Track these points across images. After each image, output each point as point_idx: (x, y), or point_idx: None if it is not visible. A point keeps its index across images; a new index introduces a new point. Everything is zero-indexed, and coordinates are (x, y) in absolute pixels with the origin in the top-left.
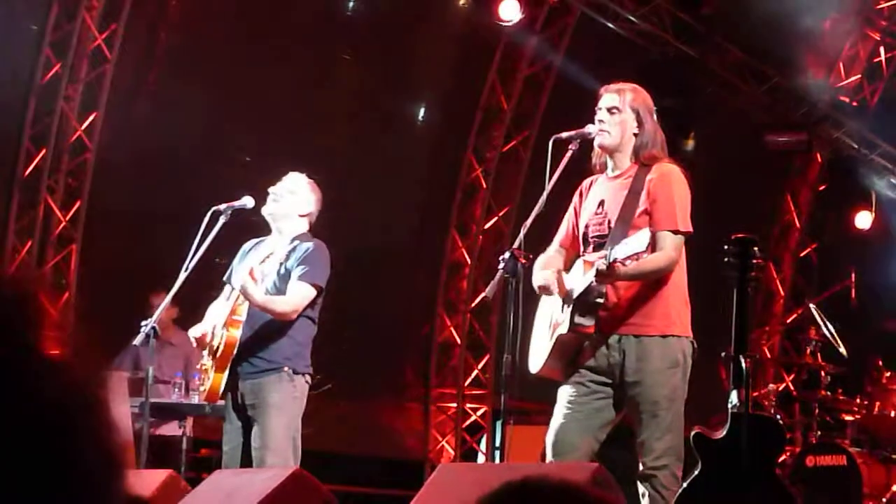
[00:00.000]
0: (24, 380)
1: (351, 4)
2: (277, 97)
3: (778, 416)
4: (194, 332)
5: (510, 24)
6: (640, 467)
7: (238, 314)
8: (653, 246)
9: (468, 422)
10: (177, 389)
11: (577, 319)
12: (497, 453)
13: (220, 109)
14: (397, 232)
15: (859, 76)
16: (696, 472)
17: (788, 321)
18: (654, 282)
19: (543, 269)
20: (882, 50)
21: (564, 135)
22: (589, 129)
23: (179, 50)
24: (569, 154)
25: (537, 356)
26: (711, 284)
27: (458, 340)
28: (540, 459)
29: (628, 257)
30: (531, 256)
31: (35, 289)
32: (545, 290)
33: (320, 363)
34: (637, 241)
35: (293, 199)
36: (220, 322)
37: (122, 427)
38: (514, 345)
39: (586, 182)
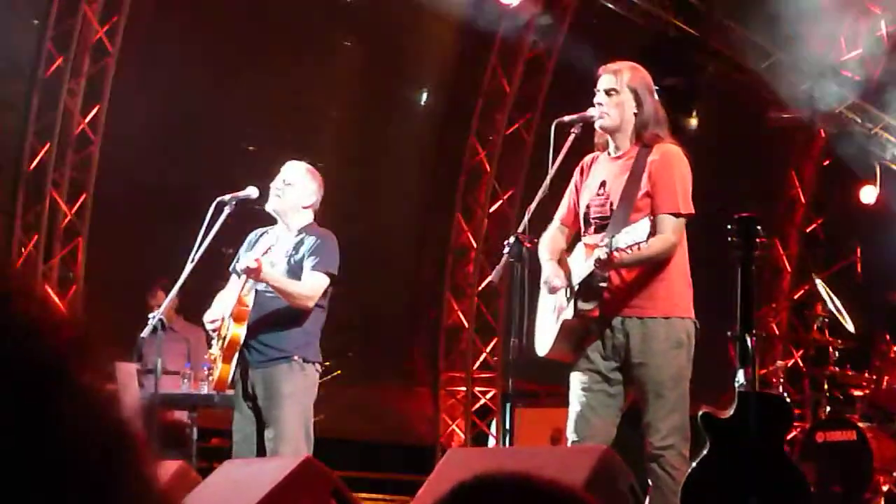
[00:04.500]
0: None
1: None
2: (280, 85)
3: (786, 394)
4: (208, 317)
5: (511, 6)
6: (648, 448)
7: (245, 304)
8: (654, 229)
9: (478, 405)
10: (185, 380)
11: (581, 304)
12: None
13: (223, 98)
14: (403, 217)
15: (860, 50)
16: (705, 452)
17: (795, 297)
18: (656, 264)
19: (546, 254)
20: (883, 23)
21: (566, 118)
22: (590, 112)
23: (181, 40)
24: (571, 138)
25: (544, 340)
26: (717, 263)
27: (466, 324)
28: (550, 442)
29: (629, 246)
30: (536, 240)
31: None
32: (552, 289)
33: (329, 350)
34: (638, 230)
35: (294, 192)
36: (227, 312)
37: (148, 449)
38: (521, 328)
39: (587, 159)
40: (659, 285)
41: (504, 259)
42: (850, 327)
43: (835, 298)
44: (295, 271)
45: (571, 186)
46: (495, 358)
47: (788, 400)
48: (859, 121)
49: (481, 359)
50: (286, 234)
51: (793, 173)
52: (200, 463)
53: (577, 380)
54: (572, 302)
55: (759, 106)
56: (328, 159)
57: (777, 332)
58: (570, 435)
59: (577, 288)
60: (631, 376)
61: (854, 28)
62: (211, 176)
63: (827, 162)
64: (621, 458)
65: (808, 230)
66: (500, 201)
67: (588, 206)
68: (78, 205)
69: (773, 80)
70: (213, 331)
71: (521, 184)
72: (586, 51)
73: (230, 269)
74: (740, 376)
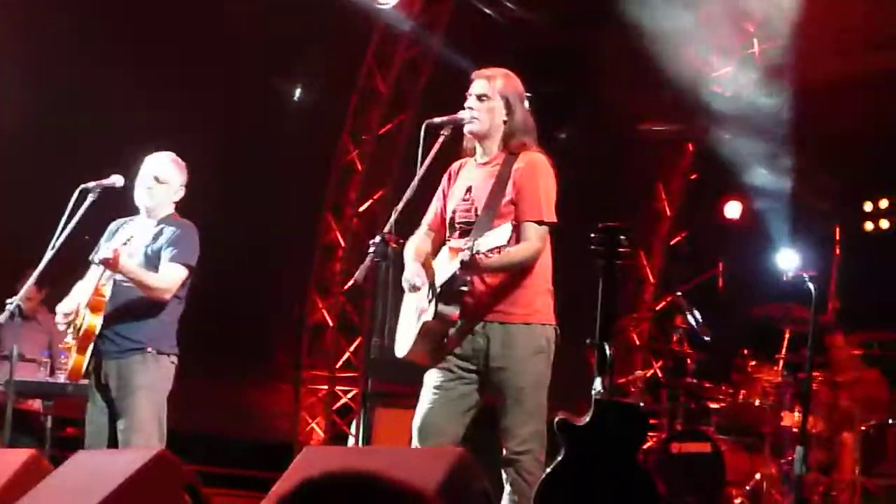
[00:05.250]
0: None
1: None
2: (151, 76)
3: (643, 403)
4: (62, 308)
5: (387, 6)
6: (504, 452)
7: (102, 293)
8: (517, 236)
9: (339, 404)
10: (42, 368)
11: (442, 307)
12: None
13: (93, 86)
14: (271, 212)
15: (732, 67)
16: (559, 458)
17: (657, 308)
18: (518, 270)
19: (411, 255)
20: (755, 41)
21: (437, 120)
22: (461, 115)
23: (52, 24)
24: (440, 140)
25: (404, 341)
26: (581, 273)
27: (331, 322)
28: (409, 443)
29: (490, 250)
30: (402, 241)
31: None
32: (412, 288)
33: (189, 343)
34: (499, 234)
35: (166, 189)
36: (83, 301)
37: None
38: (383, 328)
39: (455, 165)
40: (521, 291)
41: (369, 258)
42: (706, 339)
43: (694, 311)
44: (152, 261)
45: (439, 192)
46: (358, 357)
47: (644, 409)
48: (727, 136)
49: (344, 358)
50: (146, 223)
51: (660, 186)
52: (54, 452)
53: (430, 378)
54: (433, 304)
55: (630, 118)
56: (197, 151)
57: (638, 343)
58: (415, 432)
59: (438, 290)
60: (490, 381)
61: (726, 44)
62: (77, 163)
63: (694, 176)
64: (476, 461)
65: (672, 243)
66: (370, 201)
67: (454, 211)
68: None
69: (644, 93)
70: (67, 323)
71: (392, 184)
72: (462, 53)
73: (89, 258)
74: (597, 384)
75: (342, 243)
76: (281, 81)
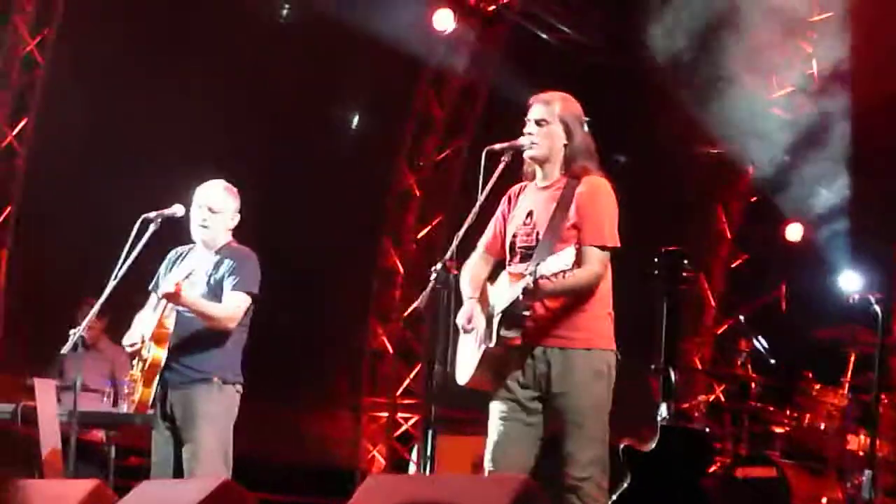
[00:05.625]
0: None
1: (285, 12)
2: (210, 102)
3: (707, 428)
4: (127, 340)
5: (445, 32)
6: (566, 479)
7: (166, 326)
8: (579, 261)
9: (399, 431)
10: (106, 398)
11: (504, 332)
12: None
13: (152, 115)
14: (329, 239)
15: (791, 88)
16: (626, 485)
17: (719, 332)
18: (580, 295)
19: (468, 289)
20: (814, 62)
21: (497, 146)
22: (521, 140)
23: (111, 56)
24: (501, 166)
25: (465, 368)
26: (640, 296)
27: (391, 349)
28: (471, 470)
29: (554, 274)
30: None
31: None
32: (463, 329)
33: (251, 371)
34: (562, 258)
35: (221, 219)
36: (147, 333)
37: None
38: (445, 355)
39: (515, 188)
40: (581, 316)
41: (431, 285)
42: (773, 362)
43: (758, 334)
44: (215, 292)
45: (498, 215)
46: (419, 384)
47: (709, 434)
48: (787, 159)
49: (404, 384)
50: (206, 253)
51: (719, 208)
52: (118, 482)
53: (496, 409)
54: (495, 330)
55: (689, 141)
56: (256, 179)
57: (700, 367)
58: (487, 464)
59: (500, 316)
60: (551, 406)
61: (785, 66)
62: (137, 192)
63: (754, 199)
64: (541, 489)
65: (733, 265)
66: (428, 227)
67: (514, 236)
68: (2, 217)
69: (702, 115)
70: (133, 354)
71: (450, 210)
72: (518, 79)
73: (149, 288)
74: (663, 410)
75: (401, 269)
76: (338, 109)
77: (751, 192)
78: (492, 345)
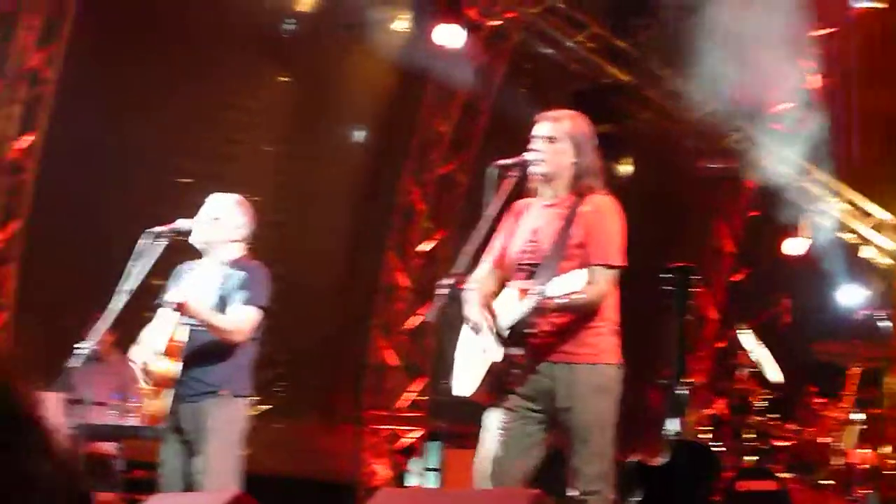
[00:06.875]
0: None
1: (289, 27)
2: (214, 119)
3: (713, 443)
4: (135, 355)
5: (448, 47)
6: (572, 493)
7: (177, 339)
8: (587, 279)
9: (401, 444)
10: (113, 411)
11: (510, 348)
12: (431, 475)
13: (159, 130)
14: (333, 253)
15: (791, 104)
16: (638, 500)
17: (720, 346)
18: (586, 313)
19: (473, 297)
20: (814, 76)
21: (505, 162)
22: (528, 156)
23: (119, 71)
24: (509, 181)
25: (468, 381)
26: (642, 310)
27: (393, 363)
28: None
29: (563, 296)
30: None
31: None
32: (475, 329)
33: (257, 384)
34: (571, 280)
35: (220, 226)
36: (158, 347)
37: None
38: (452, 370)
39: (519, 204)
40: (587, 332)
41: (439, 299)
42: (775, 377)
43: (760, 348)
44: (224, 305)
45: (503, 230)
46: (421, 398)
47: (716, 449)
48: (788, 172)
49: (407, 398)
50: (215, 267)
51: (720, 223)
52: (125, 495)
53: (494, 418)
54: (501, 345)
55: (689, 155)
56: (262, 193)
57: (701, 381)
58: (478, 473)
59: (506, 332)
60: (557, 421)
61: (784, 81)
62: (144, 207)
63: (754, 213)
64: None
65: (734, 279)
66: (433, 241)
67: (519, 252)
68: (10, 232)
69: (703, 130)
70: (141, 369)
71: (454, 224)
72: (521, 94)
73: (157, 301)
74: (670, 425)
75: (404, 284)
76: (342, 123)
77: (751, 206)
78: (498, 360)
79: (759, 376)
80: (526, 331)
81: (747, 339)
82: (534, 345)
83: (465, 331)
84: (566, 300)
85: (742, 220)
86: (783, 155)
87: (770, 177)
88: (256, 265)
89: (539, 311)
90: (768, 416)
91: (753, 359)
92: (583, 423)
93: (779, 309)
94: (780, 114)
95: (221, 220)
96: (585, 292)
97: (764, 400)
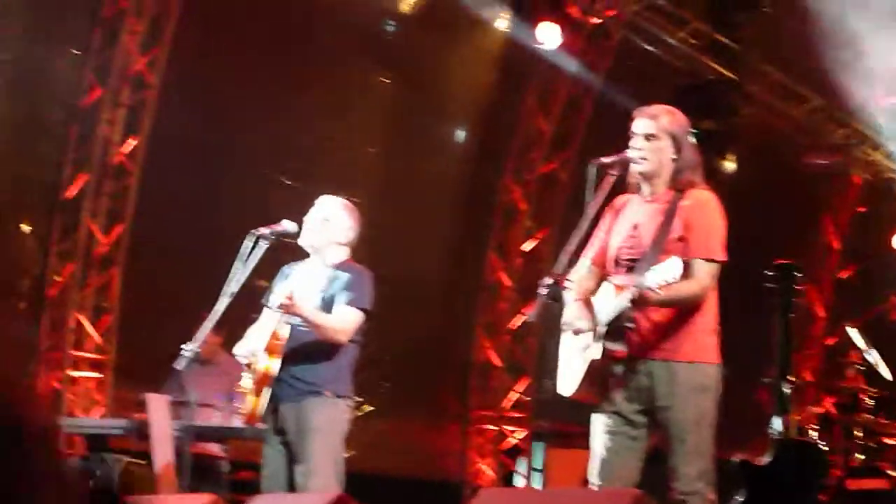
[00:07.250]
0: None
1: (391, 28)
2: (317, 120)
3: (821, 442)
4: (238, 350)
5: (550, 46)
6: (673, 493)
7: (279, 338)
8: (686, 273)
9: (507, 444)
10: (219, 412)
11: (609, 344)
12: (537, 475)
13: (262, 132)
14: (436, 254)
15: None
16: (742, 500)
17: (829, 344)
18: (686, 308)
19: (572, 294)
20: None
21: (606, 160)
22: (629, 154)
23: (221, 74)
24: (610, 180)
25: (569, 380)
26: (746, 307)
27: (498, 362)
28: (581, 483)
29: (660, 286)
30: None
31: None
32: (573, 329)
33: (360, 385)
34: (667, 268)
35: (330, 228)
36: (261, 346)
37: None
38: (555, 369)
39: (619, 201)
40: (686, 329)
41: (541, 299)
42: (887, 375)
43: (869, 346)
44: (328, 306)
45: (602, 227)
46: (526, 397)
47: (825, 448)
48: (894, 167)
49: (512, 397)
50: (320, 269)
51: (827, 219)
52: (231, 496)
53: (599, 422)
54: (600, 342)
55: (795, 151)
56: (364, 194)
57: (809, 379)
58: (593, 478)
59: (605, 328)
60: (656, 419)
61: (891, 74)
62: (248, 209)
63: (862, 209)
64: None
65: (843, 276)
66: (535, 240)
67: (619, 248)
68: (114, 235)
69: (809, 125)
70: (246, 365)
71: (556, 223)
72: (624, 91)
73: (262, 301)
74: (776, 423)
75: (507, 283)
76: (443, 123)
77: (859, 201)
78: (597, 357)
79: (868, 374)
80: (625, 325)
81: (857, 337)
82: (633, 341)
83: (565, 331)
84: (666, 294)
85: (849, 216)
86: (892, 149)
87: (878, 172)
88: (361, 268)
89: (638, 303)
90: (879, 414)
91: (864, 356)
92: (681, 423)
93: (887, 306)
94: (889, 107)
95: (331, 223)
96: (687, 285)
97: (873, 398)
